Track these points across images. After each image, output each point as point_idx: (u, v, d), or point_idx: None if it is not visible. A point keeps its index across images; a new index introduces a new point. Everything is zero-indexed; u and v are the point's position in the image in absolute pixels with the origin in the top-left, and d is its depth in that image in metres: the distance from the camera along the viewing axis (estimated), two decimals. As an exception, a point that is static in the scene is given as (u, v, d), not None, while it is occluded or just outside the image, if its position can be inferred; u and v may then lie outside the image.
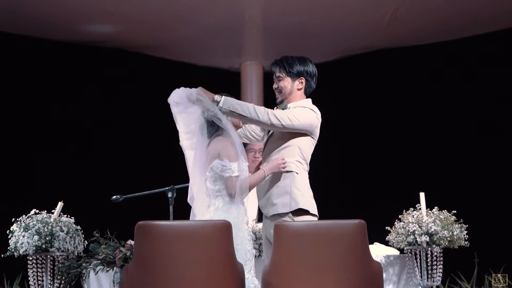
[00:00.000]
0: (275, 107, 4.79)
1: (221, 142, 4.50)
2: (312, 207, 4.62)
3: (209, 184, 4.49)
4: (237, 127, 4.74)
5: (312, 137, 4.72)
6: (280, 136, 4.68)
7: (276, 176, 4.61)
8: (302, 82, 4.78)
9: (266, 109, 4.60)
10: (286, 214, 4.57)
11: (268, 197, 4.64)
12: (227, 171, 4.44)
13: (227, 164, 4.44)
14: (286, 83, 4.77)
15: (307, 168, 4.71)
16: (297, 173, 4.62)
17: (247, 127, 4.90)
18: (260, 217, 5.65)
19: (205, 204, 4.51)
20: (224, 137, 4.53)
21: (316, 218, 4.61)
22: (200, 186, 4.52)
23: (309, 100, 4.82)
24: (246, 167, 4.52)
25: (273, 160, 4.61)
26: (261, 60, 8.83)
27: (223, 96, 4.56)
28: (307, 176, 4.71)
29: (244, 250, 4.41)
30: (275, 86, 4.83)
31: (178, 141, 4.67)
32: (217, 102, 4.53)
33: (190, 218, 4.53)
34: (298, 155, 4.65)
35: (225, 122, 4.53)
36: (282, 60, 4.81)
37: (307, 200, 4.61)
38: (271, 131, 4.76)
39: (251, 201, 5.14)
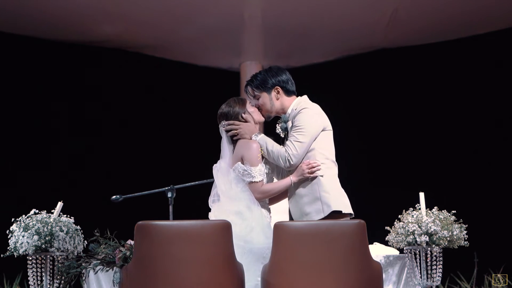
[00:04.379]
0: (277, 123, 4.78)
1: (244, 143, 4.61)
2: (344, 207, 4.61)
3: (233, 184, 4.57)
4: (259, 123, 4.74)
5: (327, 130, 4.70)
6: None
7: (302, 186, 4.62)
8: (278, 92, 4.74)
9: (286, 153, 4.58)
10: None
11: (300, 208, 4.63)
12: (247, 176, 4.52)
13: (248, 168, 4.53)
14: (264, 99, 4.73)
15: (333, 165, 4.70)
16: (321, 176, 4.61)
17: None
18: None
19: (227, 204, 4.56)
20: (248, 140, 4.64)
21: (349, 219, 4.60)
22: (225, 186, 4.58)
23: (302, 98, 4.77)
24: (266, 170, 4.61)
25: (298, 166, 4.61)
26: (261, 60, 8.83)
27: (259, 136, 4.65)
28: (335, 174, 4.70)
29: (260, 254, 4.40)
30: (256, 106, 4.77)
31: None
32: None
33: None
34: (320, 157, 4.64)
35: None
36: (252, 80, 4.77)
37: (339, 200, 4.61)
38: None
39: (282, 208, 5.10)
